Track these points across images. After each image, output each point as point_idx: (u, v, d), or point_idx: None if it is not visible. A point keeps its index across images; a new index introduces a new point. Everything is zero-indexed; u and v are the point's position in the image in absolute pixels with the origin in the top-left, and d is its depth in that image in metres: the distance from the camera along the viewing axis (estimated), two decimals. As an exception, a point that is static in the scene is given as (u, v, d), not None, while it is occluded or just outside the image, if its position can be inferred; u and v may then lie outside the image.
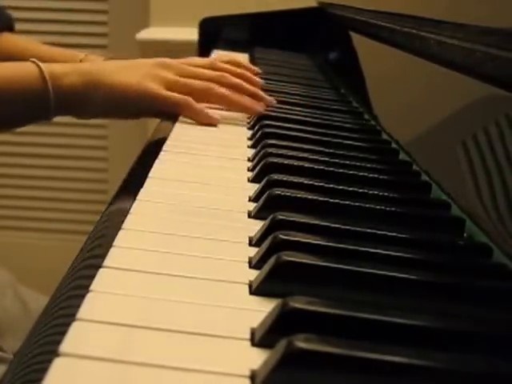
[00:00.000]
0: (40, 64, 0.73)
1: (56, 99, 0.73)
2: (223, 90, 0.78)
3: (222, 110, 0.82)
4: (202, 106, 0.77)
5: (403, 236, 0.47)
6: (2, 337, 0.85)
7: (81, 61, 0.93)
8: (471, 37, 0.56)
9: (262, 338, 0.33)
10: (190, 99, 0.75)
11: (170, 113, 0.77)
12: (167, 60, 0.79)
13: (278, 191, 0.51)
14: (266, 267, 0.39)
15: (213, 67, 0.82)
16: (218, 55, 0.91)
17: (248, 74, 0.84)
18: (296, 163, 0.61)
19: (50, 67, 0.74)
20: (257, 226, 0.48)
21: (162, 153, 0.64)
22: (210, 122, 0.76)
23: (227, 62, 0.85)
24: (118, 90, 0.75)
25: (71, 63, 0.79)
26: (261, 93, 0.82)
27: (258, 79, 0.85)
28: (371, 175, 0.60)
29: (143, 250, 0.42)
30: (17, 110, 0.76)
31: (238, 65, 0.86)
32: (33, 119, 0.79)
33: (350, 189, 0.56)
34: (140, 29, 1.79)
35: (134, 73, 0.76)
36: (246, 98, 0.79)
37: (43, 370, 0.29)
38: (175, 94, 0.75)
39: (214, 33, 1.42)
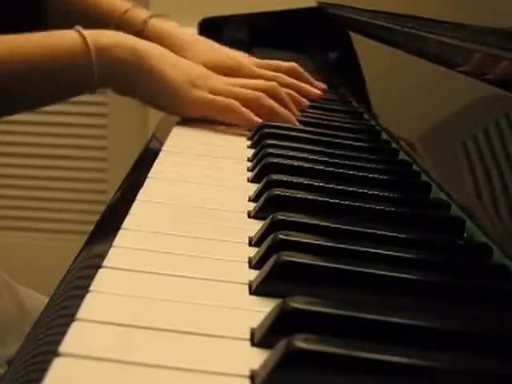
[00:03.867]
0: (85, 34, 0.71)
1: (100, 72, 0.71)
2: (272, 102, 0.76)
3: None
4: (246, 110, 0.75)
5: (403, 236, 0.47)
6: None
7: (125, 12, 0.89)
8: (471, 37, 0.56)
9: (262, 338, 0.33)
10: (235, 103, 0.74)
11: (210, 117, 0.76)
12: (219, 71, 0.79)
13: (277, 191, 0.51)
14: (266, 267, 0.39)
15: (265, 75, 0.82)
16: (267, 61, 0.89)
17: (299, 84, 0.85)
18: (296, 163, 0.61)
19: (97, 37, 0.71)
20: (257, 226, 0.48)
21: (161, 153, 0.64)
22: (251, 125, 0.75)
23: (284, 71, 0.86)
24: (166, 85, 0.73)
25: (122, 34, 0.75)
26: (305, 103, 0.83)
27: (311, 90, 0.86)
28: (371, 175, 0.60)
29: (143, 250, 0.42)
30: (58, 83, 0.73)
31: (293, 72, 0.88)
32: (75, 93, 0.76)
33: (350, 189, 0.56)
34: (140, 29, 1.78)
35: (185, 73, 0.75)
36: (293, 112, 0.79)
37: (43, 370, 0.29)
38: (220, 98, 0.74)
39: (214, 33, 1.41)
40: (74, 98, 0.78)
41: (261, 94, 0.76)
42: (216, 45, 0.91)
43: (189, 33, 0.94)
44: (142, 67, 0.73)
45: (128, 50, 0.72)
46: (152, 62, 0.73)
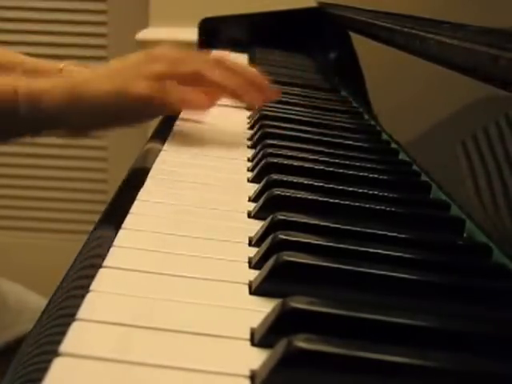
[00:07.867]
0: (17, 82, 0.70)
1: (34, 118, 0.70)
2: (216, 73, 0.70)
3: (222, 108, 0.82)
4: (196, 93, 0.70)
5: (403, 236, 0.47)
6: None
7: (61, 70, 0.85)
8: (471, 37, 0.56)
9: (262, 338, 0.33)
10: (185, 94, 0.69)
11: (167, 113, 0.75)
12: (155, 51, 0.73)
13: (277, 191, 0.51)
14: (266, 267, 0.39)
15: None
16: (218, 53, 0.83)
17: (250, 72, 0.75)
18: (296, 163, 0.60)
19: (30, 85, 0.70)
20: (257, 226, 0.48)
21: (161, 152, 0.64)
22: (206, 107, 0.70)
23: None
24: (101, 100, 0.70)
25: (54, 78, 0.75)
26: (263, 84, 0.73)
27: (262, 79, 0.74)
28: (371, 175, 0.60)
29: (143, 250, 0.42)
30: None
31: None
32: (4, 137, 0.78)
33: (350, 189, 0.56)
34: (139, 29, 1.79)
35: (119, 78, 0.70)
36: (243, 86, 0.71)
37: (43, 370, 0.29)
38: (168, 94, 0.69)
39: (214, 33, 1.41)
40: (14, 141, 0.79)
41: (202, 67, 0.70)
42: None
43: None
44: (71, 99, 0.70)
45: (58, 90, 0.70)
46: (79, 90, 0.70)
